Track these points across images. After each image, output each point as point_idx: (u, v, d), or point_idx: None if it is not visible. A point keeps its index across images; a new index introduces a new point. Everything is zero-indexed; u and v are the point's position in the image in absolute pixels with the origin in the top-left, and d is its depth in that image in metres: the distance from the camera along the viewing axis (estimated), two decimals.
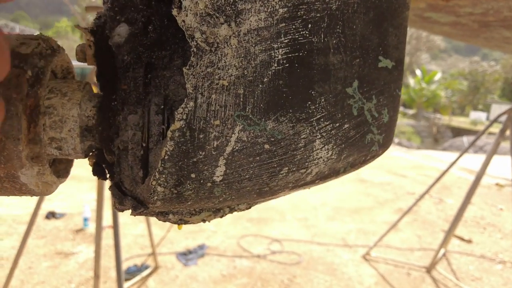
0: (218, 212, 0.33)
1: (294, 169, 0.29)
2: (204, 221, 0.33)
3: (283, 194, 0.32)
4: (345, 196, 5.32)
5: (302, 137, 0.28)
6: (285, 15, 0.28)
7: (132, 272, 3.00)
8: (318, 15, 0.29)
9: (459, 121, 30.69)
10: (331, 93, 0.30)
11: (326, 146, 0.30)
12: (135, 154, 0.28)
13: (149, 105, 0.28)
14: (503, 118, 2.90)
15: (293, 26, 0.28)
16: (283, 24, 0.28)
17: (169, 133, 0.25)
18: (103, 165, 0.33)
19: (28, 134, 0.27)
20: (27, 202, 3.99)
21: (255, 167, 0.27)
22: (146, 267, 3.08)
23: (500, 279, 3.31)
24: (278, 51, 0.27)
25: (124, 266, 3.08)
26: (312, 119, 0.29)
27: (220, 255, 3.38)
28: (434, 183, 3.31)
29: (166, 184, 0.27)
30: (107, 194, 2.27)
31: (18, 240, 3.26)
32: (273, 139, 0.27)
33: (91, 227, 3.62)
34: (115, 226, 2.10)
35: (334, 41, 0.30)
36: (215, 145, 0.26)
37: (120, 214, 2.27)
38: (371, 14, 0.32)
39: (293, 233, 3.92)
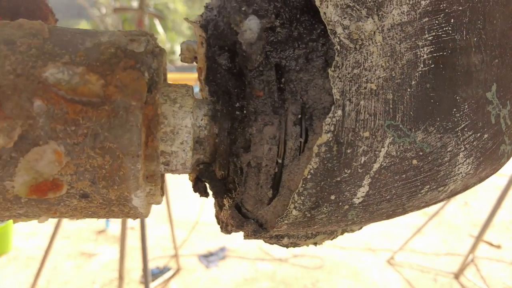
0: (331, 234, 0.29)
1: (435, 187, 0.25)
2: (315, 244, 0.29)
3: (406, 213, 0.28)
4: None
5: (448, 150, 0.24)
6: (428, 8, 0.24)
7: (155, 274, 3.00)
8: (460, 8, 0.25)
9: None
10: (473, 98, 0.26)
11: (467, 160, 0.26)
12: (268, 171, 0.24)
13: (286, 115, 0.23)
14: None
15: (436, 21, 0.24)
16: (427, 19, 0.24)
17: (315, 148, 0.21)
18: (205, 181, 0.29)
19: (146, 149, 0.23)
20: None
21: (399, 186, 0.23)
22: (168, 269, 3.07)
23: None
24: (423, 50, 0.23)
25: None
26: (457, 129, 0.24)
27: (241, 258, 3.35)
28: None
29: (302, 207, 0.23)
30: None
31: (43, 240, 3.30)
32: (421, 153, 0.23)
33: (113, 228, 3.64)
34: (142, 228, 2.09)
35: (475, 39, 0.26)
36: (362, 162, 0.22)
37: None
38: (511, 6, 0.28)
39: None
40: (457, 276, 3.20)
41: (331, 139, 0.21)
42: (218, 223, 0.31)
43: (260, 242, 3.62)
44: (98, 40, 0.22)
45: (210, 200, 0.34)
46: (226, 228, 0.27)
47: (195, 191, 0.30)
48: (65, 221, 3.75)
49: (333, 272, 3.21)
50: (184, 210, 4.19)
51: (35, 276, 2.39)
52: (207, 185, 0.30)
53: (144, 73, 0.22)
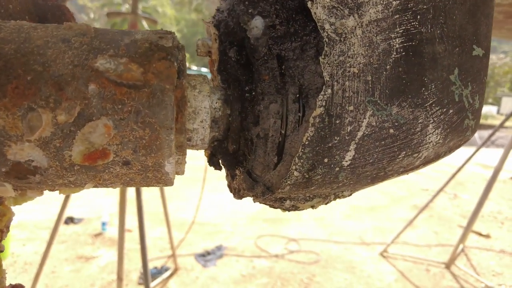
0: (326, 198, 0.34)
1: (410, 153, 0.31)
2: (313, 207, 0.34)
3: (390, 179, 0.34)
4: (360, 195, 5.30)
5: (419, 121, 0.30)
6: (398, 7, 0.29)
7: (153, 274, 3.02)
8: (425, 6, 0.31)
9: None
10: (439, 79, 0.31)
11: (436, 131, 0.31)
12: (274, 141, 0.30)
13: (287, 94, 0.29)
14: None
15: (405, 17, 0.30)
16: (397, 16, 0.29)
17: (310, 119, 0.27)
18: (218, 157, 0.35)
19: (176, 124, 0.28)
20: (48, 208, 4.04)
21: (379, 151, 0.29)
22: (166, 269, 3.10)
23: None
24: (395, 41, 0.29)
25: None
26: (426, 104, 0.30)
27: (238, 256, 3.40)
28: (451, 179, 3.30)
29: (301, 168, 0.28)
30: (129, 197, 2.30)
31: (40, 245, 3.30)
32: (397, 124, 0.29)
33: (110, 231, 3.66)
34: (141, 228, 2.12)
35: (438, 31, 0.32)
36: (348, 130, 0.28)
37: (136, 218, 2.29)
38: (467, 4, 0.34)
39: (310, 232, 3.92)
40: (448, 266, 3.29)
41: (323, 112, 0.27)
42: (231, 191, 0.37)
43: (255, 239, 3.67)
44: (134, 37, 0.28)
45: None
46: (238, 193, 0.32)
47: (210, 165, 0.35)
48: (61, 226, 3.75)
49: (328, 266, 3.27)
50: (181, 211, 4.23)
51: (33, 281, 2.40)
52: (220, 160, 0.35)
53: (173, 63, 0.27)
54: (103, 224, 3.72)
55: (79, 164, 0.27)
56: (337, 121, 0.27)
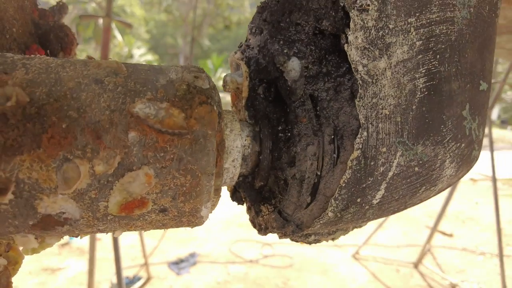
0: (346, 230, 0.35)
1: (429, 187, 0.32)
2: (333, 239, 0.35)
3: (406, 209, 0.35)
4: None
5: (439, 158, 0.31)
6: (421, 47, 0.31)
7: (125, 284, 2.93)
8: (443, 46, 0.32)
9: None
10: (454, 116, 0.33)
11: (451, 165, 0.33)
12: (310, 182, 0.30)
13: (323, 136, 0.29)
14: None
15: (427, 57, 0.31)
16: (421, 56, 0.30)
17: (349, 163, 0.27)
18: (241, 191, 0.34)
19: (216, 168, 0.27)
20: None
21: (405, 188, 0.30)
22: (139, 279, 3.02)
23: (483, 270, 3.48)
24: (420, 80, 0.30)
25: (115, 279, 3.00)
26: (444, 141, 0.31)
27: (212, 262, 3.37)
28: None
29: (335, 209, 0.28)
30: None
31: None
32: (421, 162, 0.30)
33: (77, 241, 3.51)
34: (115, 238, 2.05)
35: (454, 69, 0.33)
36: (381, 171, 0.28)
37: None
38: (477, 43, 0.35)
39: None
40: (416, 265, 3.43)
41: (360, 154, 0.27)
42: (254, 227, 0.36)
43: (230, 245, 3.65)
44: (168, 77, 0.26)
45: None
46: (265, 230, 0.32)
47: (233, 200, 0.35)
48: None
49: (303, 269, 3.31)
50: None
51: None
52: (242, 194, 0.34)
53: (214, 107, 0.26)
54: None
55: (113, 214, 0.25)
56: (372, 163, 0.28)
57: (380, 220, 3.81)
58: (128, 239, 3.64)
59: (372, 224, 4.14)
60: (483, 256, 3.78)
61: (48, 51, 0.39)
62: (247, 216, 0.34)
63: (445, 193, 3.30)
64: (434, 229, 3.41)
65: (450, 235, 4.25)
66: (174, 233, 3.79)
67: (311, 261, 3.46)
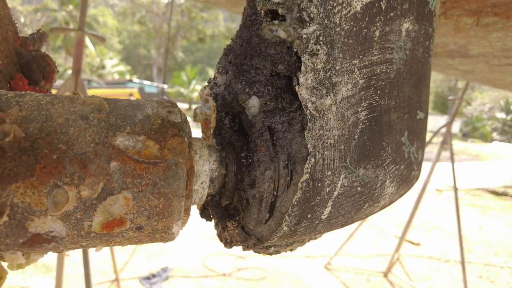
0: (302, 242, 0.39)
1: (372, 204, 0.37)
2: (291, 250, 0.39)
3: (353, 223, 0.40)
4: None
5: (380, 179, 0.36)
6: (364, 84, 0.36)
7: None
8: (383, 83, 0.38)
9: None
10: (393, 142, 0.38)
11: (391, 184, 0.38)
12: (267, 201, 0.34)
13: (278, 162, 0.34)
14: (444, 130, 3.26)
15: (369, 93, 0.36)
16: (363, 92, 0.36)
17: (299, 184, 0.32)
18: (209, 209, 0.38)
19: (186, 191, 0.31)
20: None
21: (349, 205, 0.35)
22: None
23: (448, 276, 3.64)
24: (362, 113, 0.35)
25: None
26: (384, 164, 0.37)
27: (185, 277, 3.33)
28: None
29: (289, 224, 0.33)
30: None
31: None
32: (363, 182, 0.35)
33: (43, 257, 3.38)
34: (85, 252, 2.01)
35: (393, 102, 0.39)
36: (327, 191, 0.33)
37: None
38: (413, 79, 0.41)
39: None
40: (386, 274, 3.54)
41: (309, 178, 0.32)
42: (221, 240, 0.40)
43: (203, 258, 3.63)
44: (145, 112, 0.30)
45: None
46: (230, 243, 0.36)
47: (202, 217, 0.39)
48: None
49: (276, 281, 3.34)
50: None
51: None
52: (210, 212, 0.39)
53: (184, 138, 0.30)
54: None
55: (95, 232, 0.29)
56: (319, 184, 0.33)
57: (351, 230, 3.91)
58: (98, 253, 3.54)
59: (343, 235, 4.25)
60: (448, 263, 3.95)
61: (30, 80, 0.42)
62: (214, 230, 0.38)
63: (412, 203, 3.44)
64: (402, 238, 3.55)
65: (418, 244, 4.42)
66: (146, 247, 3.73)
67: (284, 273, 3.49)
